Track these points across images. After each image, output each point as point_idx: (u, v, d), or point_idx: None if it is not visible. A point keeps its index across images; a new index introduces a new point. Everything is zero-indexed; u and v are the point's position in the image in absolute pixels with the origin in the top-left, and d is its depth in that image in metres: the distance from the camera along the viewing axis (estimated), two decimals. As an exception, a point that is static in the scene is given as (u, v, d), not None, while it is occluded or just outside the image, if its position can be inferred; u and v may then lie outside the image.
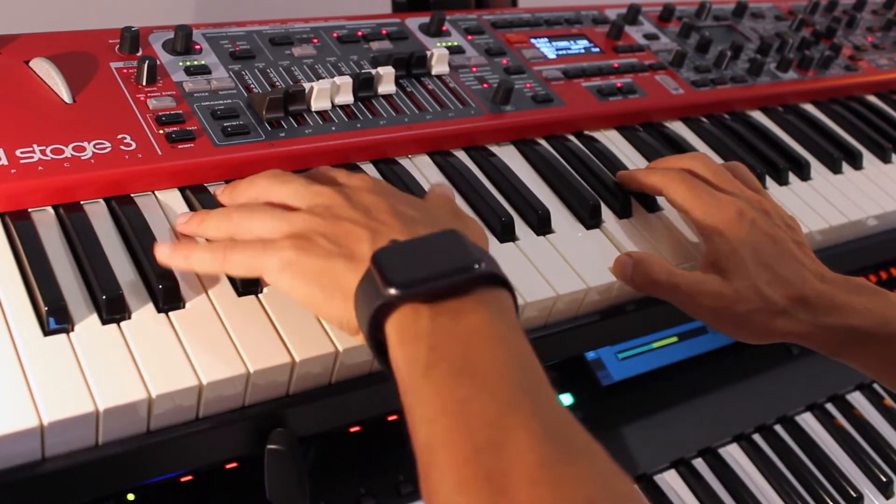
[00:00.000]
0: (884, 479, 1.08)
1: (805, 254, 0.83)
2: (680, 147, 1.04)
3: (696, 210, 0.82)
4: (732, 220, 0.80)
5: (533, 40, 1.09)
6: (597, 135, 1.02)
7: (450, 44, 1.02)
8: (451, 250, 0.60)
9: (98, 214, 0.74)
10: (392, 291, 0.57)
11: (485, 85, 0.98)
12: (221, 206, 0.74)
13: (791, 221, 0.86)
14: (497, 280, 0.60)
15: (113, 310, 0.65)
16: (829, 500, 1.04)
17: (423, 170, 0.89)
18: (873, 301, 0.82)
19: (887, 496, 1.07)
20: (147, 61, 0.83)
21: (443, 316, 0.57)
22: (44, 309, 0.64)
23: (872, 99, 1.29)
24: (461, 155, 0.92)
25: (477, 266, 0.59)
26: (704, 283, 0.79)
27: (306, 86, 0.86)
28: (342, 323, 0.63)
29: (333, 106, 0.88)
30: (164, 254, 0.68)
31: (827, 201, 1.04)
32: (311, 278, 0.62)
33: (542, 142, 0.98)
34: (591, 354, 1.04)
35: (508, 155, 0.94)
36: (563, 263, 0.83)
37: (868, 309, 0.81)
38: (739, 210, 0.81)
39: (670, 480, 0.99)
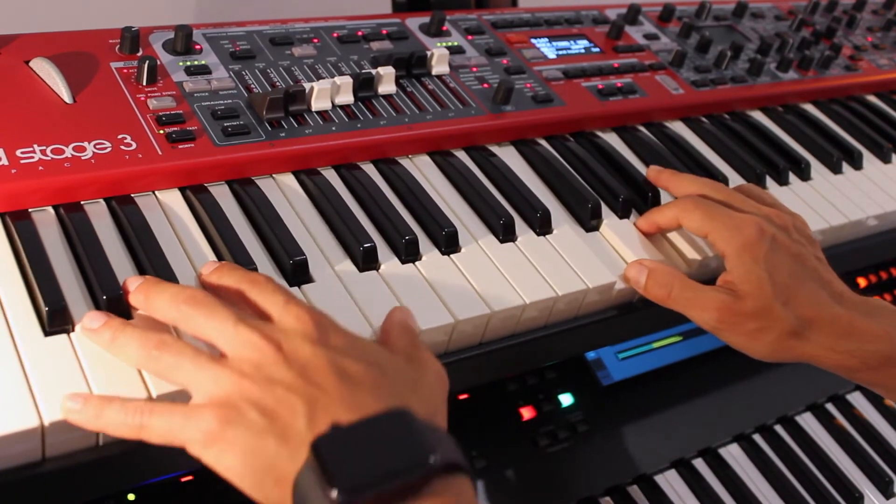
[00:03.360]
0: (884, 480, 1.08)
1: (825, 270, 0.82)
2: (680, 147, 1.04)
3: (715, 233, 0.81)
4: (753, 239, 0.79)
5: (533, 40, 1.09)
6: (597, 135, 1.02)
7: (450, 44, 1.02)
8: (402, 438, 0.53)
9: (98, 214, 0.74)
10: (336, 497, 0.50)
11: (485, 85, 0.98)
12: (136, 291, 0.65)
13: (811, 234, 0.85)
14: (453, 468, 0.54)
15: (113, 310, 0.65)
16: (829, 500, 1.04)
17: (424, 170, 0.89)
18: (892, 323, 0.81)
19: (887, 496, 1.07)
20: (147, 61, 0.83)
21: None
22: (44, 309, 0.63)
23: (872, 99, 1.29)
24: (461, 155, 0.92)
25: (431, 459, 0.52)
26: (718, 299, 0.79)
27: (306, 86, 0.86)
28: None
29: (334, 106, 0.88)
30: (74, 409, 0.58)
31: (827, 201, 1.04)
32: (239, 457, 0.55)
33: (543, 142, 0.98)
34: (591, 354, 1.04)
35: (508, 155, 0.94)
36: (563, 263, 0.83)
37: (887, 332, 0.80)
38: (760, 228, 0.80)
39: (670, 480, 0.99)
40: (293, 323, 0.61)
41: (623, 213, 0.91)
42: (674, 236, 0.90)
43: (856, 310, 0.81)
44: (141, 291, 0.64)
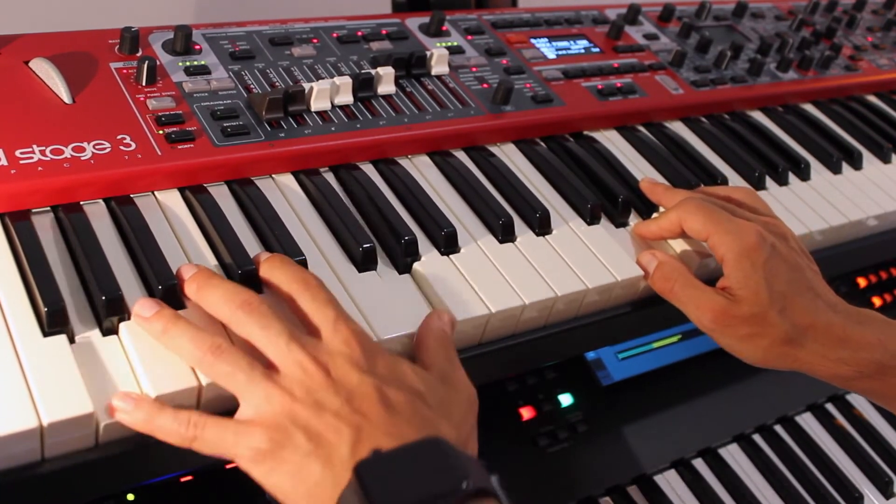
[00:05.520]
0: (884, 480, 1.08)
1: (819, 282, 0.83)
2: (680, 147, 1.04)
3: (716, 236, 0.81)
4: (753, 245, 0.79)
5: (533, 40, 1.09)
6: (597, 135, 1.02)
7: (450, 44, 1.02)
8: (437, 465, 0.56)
9: (98, 215, 0.73)
10: None
11: (485, 85, 0.98)
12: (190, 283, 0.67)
13: (803, 246, 0.86)
14: (483, 493, 0.57)
15: (112, 311, 0.65)
16: (828, 500, 1.04)
17: (423, 170, 0.89)
18: (884, 332, 0.81)
19: (887, 496, 1.07)
20: (147, 61, 0.83)
21: None
22: (43, 310, 0.63)
23: (872, 99, 1.29)
24: (461, 155, 0.92)
25: (464, 484, 0.55)
26: (715, 300, 0.79)
27: (306, 86, 0.86)
28: None
29: (333, 106, 0.88)
30: (126, 409, 0.61)
31: (827, 201, 1.04)
32: (287, 478, 0.59)
33: (542, 142, 0.98)
34: (591, 354, 1.04)
35: (508, 155, 0.94)
36: (562, 264, 0.83)
37: (880, 340, 0.81)
38: (760, 235, 0.80)
39: (670, 480, 0.99)
40: (341, 347, 0.63)
41: (622, 214, 0.91)
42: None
43: (849, 319, 0.81)
44: (194, 282, 0.66)
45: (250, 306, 0.63)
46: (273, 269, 0.69)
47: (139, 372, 0.63)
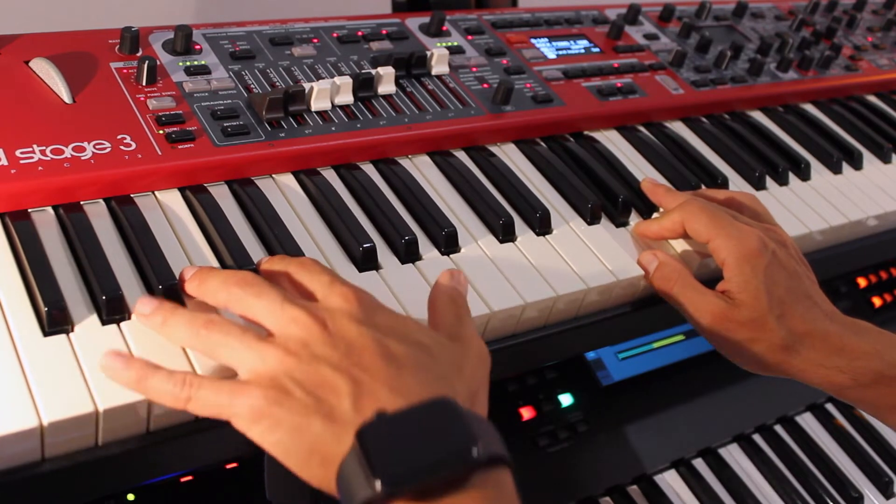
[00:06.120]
0: (884, 480, 1.08)
1: (816, 291, 0.83)
2: (680, 147, 1.04)
3: (718, 240, 0.81)
4: (755, 250, 0.80)
5: (533, 40, 1.09)
6: (597, 135, 1.02)
7: (450, 44, 1.02)
8: (445, 430, 0.54)
9: (98, 215, 0.73)
10: (381, 486, 0.52)
11: (485, 85, 0.98)
12: (186, 291, 0.67)
13: (802, 255, 0.86)
14: (495, 460, 0.55)
15: (113, 310, 0.65)
16: (829, 500, 1.04)
17: (423, 170, 0.89)
18: (880, 342, 0.82)
19: (887, 496, 1.07)
20: (147, 61, 0.83)
21: None
22: (43, 309, 0.63)
23: (872, 99, 1.29)
24: (461, 155, 0.92)
25: (474, 452, 0.53)
26: (714, 303, 0.80)
27: (306, 86, 0.86)
28: (321, 486, 0.57)
29: (333, 106, 0.88)
30: (116, 368, 0.60)
31: (827, 201, 1.04)
32: (286, 435, 0.56)
33: (542, 142, 0.98)
34: (591, 354, 1.04)
35: (508, 155, 0.94)
36: (562, 264, 0.83)
37: (876, 350, 0.81)
38: (762, 241, 0.80)
39: (670, 480, 0.99)
40: (339, 302, 0.62)
41: (623, 214, 0.91)
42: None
43: (846, 328, 0.82)
44: (196, 278, 0.66)
45: (245, 281, 0.63)
46: (272, 264, 0.68)
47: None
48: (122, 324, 0.65)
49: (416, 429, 0.54)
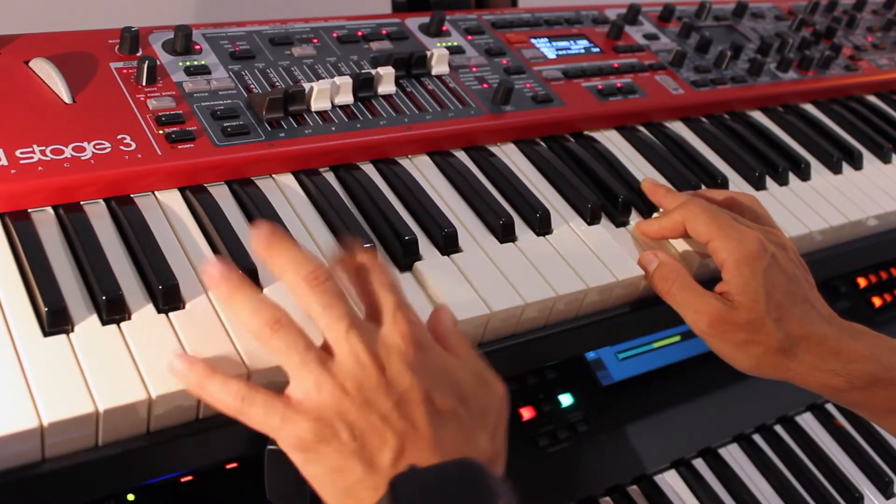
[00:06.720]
0: (884, 480, 1.08)
1: (814, 295, 0.83)
2: (680, 147, 1.04)
3: (718, 241, 0.81)
4: (754, 253, 0.80)
5: (533, 40, 1.09)
6: (597, 135, 1.02)
7: (450, 44, 1.02)
8: (470, 490, 0.58)
9: (98, 215, 0.73)
10: None
11: (485, 85, 0.98)
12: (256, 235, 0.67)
13: (801, 259, 0.86)
14: None
15: (113, 310, 0.65)
16: (828, 500, 1.04)
17: (423, 170, 0.89)
18: (876, 345, 0.82)
19: (887, 496, 1.07)
20: (147, 61, 0.83)
21: None
22: (44, 309, 0.63)
23: (872, 99, 1.29)
24: (461, 155, 0.92)
25: None
26: (712, 305, 0.80)
27: (306, 86, 0.86)
28: None
29: (333, 106, 0.88)
30: (180, 369, 0.62)
31: (827, 201, 1.04)
32: (326, 472, 0.60)
33: (542, 142, 0.98)
34: (591, 354, 1.04)
35: (508, 155, 0.94)
36: (562, 264, 0.83)
37: (873, 353, 0.81)
38: (761, 243, 0.80)
39: (670, 480, 0.99)
40: (398, 342, 0.63)
41: (623, 214, 0.91)
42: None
43: (842, 332, 0.82)
44: (264, 241, 0.65)
45: (316, 280, 0.63)
46: (346, 248, 0.69)
47: (142, 371, 0.63)
48: (122, 324, 0.65)
49: (445, 486, 0.58)
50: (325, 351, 0.62)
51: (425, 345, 0.65)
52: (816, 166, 1.10)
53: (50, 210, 0.73)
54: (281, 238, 0.65)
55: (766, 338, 0.79)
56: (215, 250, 0.74)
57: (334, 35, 0.98)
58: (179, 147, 0.78)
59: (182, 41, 0.88)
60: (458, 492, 0.58)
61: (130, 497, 0.76)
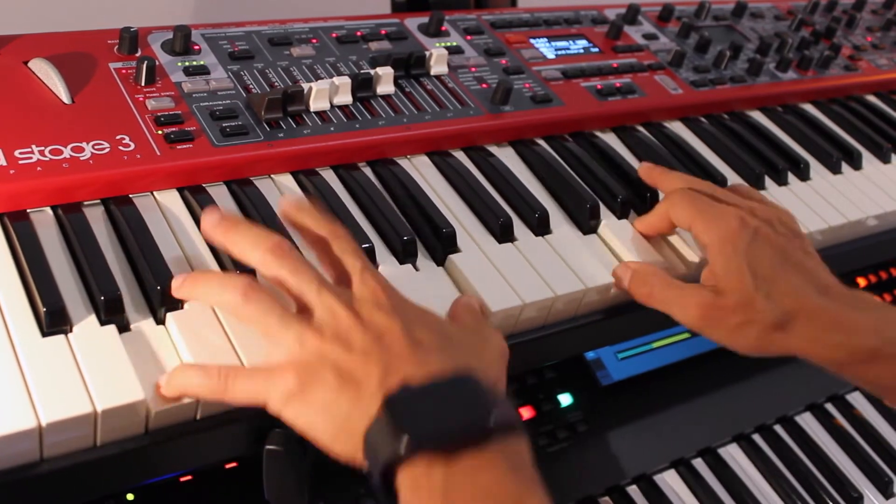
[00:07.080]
0: (884, 480, 1.08)
1: (812, 262, 0.81)
2: (679, 147, 1.04)
3: (698, 223, 0.80)
4: (734, 230, 0.78)
5: (532, 40, 1.09)
6: (596, 135, 1.02)
7: (449, 44, 1.02)
8: (465, 399, 0.59)
9: (96, 215, 0.74)
10: (405, 446, 0.56)
11: (484, 85, 0.98)
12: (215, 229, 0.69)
13: (798, 228, 0.85)
14: (511, 428, 0.59)
15: (111, 311, 0.65)
16: (828, 500, 1.04)
17: (422, 170, 0.89)
18: (878, 317, 0.79)
19: (887, 496, 1.07)
20: (146, 62, 0.83)
21: (457, 473, 0.56)
22: (42, 310, 0.63)
23: (872, 99, 1.29)
24: (460, 155, 0.92)
25: (491, 420, 0.58)
26: (699, 296, 0.78)
27: (305, 86, 0.86)
28: (348, 460, 0.61)
29: (332, 106, 0.88)
30: (164, 388, 0.63)
31: (826, 202, 1.04)
32: (317, 414, 0.60)
33: (541, 142, 0.98)
34: (591, 354, 1.04)
35: (507, 155, 0.94)
36: (561, 264, 0.83)
37: (874, 325, 0.78)
38: (741, 219, 0.79)
39: (670, 480, 0.99)
40: (369, 293, 0.65)
41: (622, 214, 0.91)
42: (673, 238, 0.90)
43: (842, 302, 0.79)
44: (221, 226, 0.67)
45: (281, 250, 0.65)
46: (302, 213, 0.70)
47: (140, 371, 0.63)
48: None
49: (439, 398, 0.58)
50: (302, 311, 0.64)
51: (398, 297, 0.66)
52: (816, 166, 1.10)
53: (49, 210, 0.73)
54: (235, 219, 0.67)
55: (760, 315, 0.77)
56: (214, 250, 0.74)
57: (333, 35, 0.98)
58: (178, 147, 0.78)
59: (181, 41, 0.88)
60: (452, 403, 0.58)
61: (130, 497, 0.76)
